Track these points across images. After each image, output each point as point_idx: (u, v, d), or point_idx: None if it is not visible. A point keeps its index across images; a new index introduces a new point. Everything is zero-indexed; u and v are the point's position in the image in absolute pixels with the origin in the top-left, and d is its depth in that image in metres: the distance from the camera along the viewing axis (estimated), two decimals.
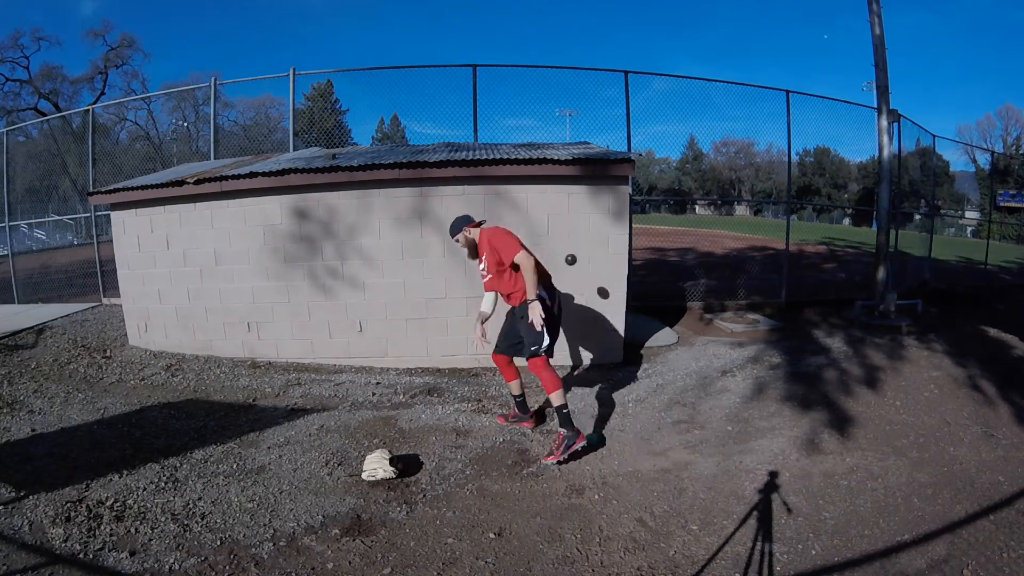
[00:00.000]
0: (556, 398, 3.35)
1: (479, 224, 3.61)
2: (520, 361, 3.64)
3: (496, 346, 3.77)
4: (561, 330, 3.76)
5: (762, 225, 18.81)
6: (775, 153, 33.92)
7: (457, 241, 3.60)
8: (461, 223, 3.58)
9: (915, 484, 3.05)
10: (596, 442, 3.58)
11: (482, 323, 3.69)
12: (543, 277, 3.47)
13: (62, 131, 14.66)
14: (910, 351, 5.19)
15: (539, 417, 3.93)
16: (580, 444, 3.31)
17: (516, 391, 3.84)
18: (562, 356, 4.96)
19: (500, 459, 3.42)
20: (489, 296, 3.70)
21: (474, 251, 3.59)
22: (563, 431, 3.32)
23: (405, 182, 4.93)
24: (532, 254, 3.37)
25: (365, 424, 3.93)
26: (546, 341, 3.40)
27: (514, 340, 3.62)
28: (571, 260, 4.83)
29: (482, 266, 3.57)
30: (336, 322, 5.19)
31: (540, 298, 3.34)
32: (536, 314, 3.27)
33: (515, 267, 3.40)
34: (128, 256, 5.59)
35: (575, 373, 4.98)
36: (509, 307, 3.62)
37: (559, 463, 3.28)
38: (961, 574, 2.34)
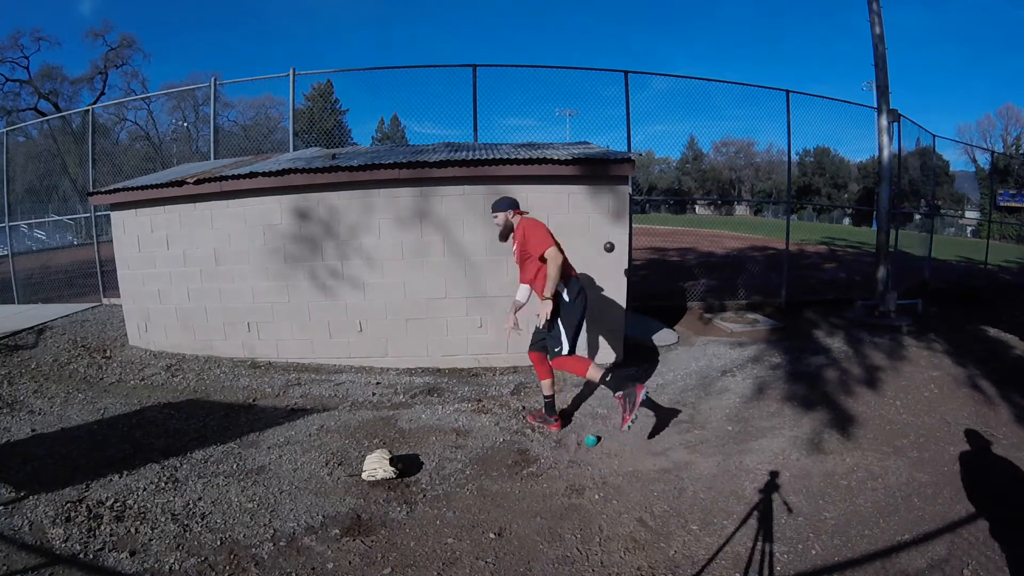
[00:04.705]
0: (593, 376, 3.45)
1: (523, 213, 3.69)
2: None
3: (531, 342, 3.82)
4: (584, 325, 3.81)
5: (762, 225, 18.80)
6: (775, 153, 33.92)
7: (495, 217, 3.68)
8: (508, 204, 3.66)
9: (915, 484, 3.05)
10: (593, 443, 3.58)
11: (514, 312, 3.70)
12: (565, 274, 3.52)
13: (62, 131, 14.66)
14: (910, 351, 5.19)
15: (565, 420, 3.92)
16: (641, 394, 3.33)
17: (547, 391, 3.79)
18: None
19: (500, 459, 3.41)
20: (523, 287, 3.73)
21: (506, 235, 3.69)
22: (619, 394, 3.39)
23: (405, 182, 4.93)
24: (562, 252, 3.44)
25: (365, 424, 3.93)
26: (565, 345, 3.49)
27: (542, 335, 3.65)
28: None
29: (514, 250, 3.68)
30: (336, 322, 5.19)
31: (557, 294, 3.44)
32: (545, 312, 3.36)
33: (542, 259, 3.45)
34: (128, 256, 5.59)
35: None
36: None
37: (632, 423, 3.34)
38: (961, 574, 2.34)
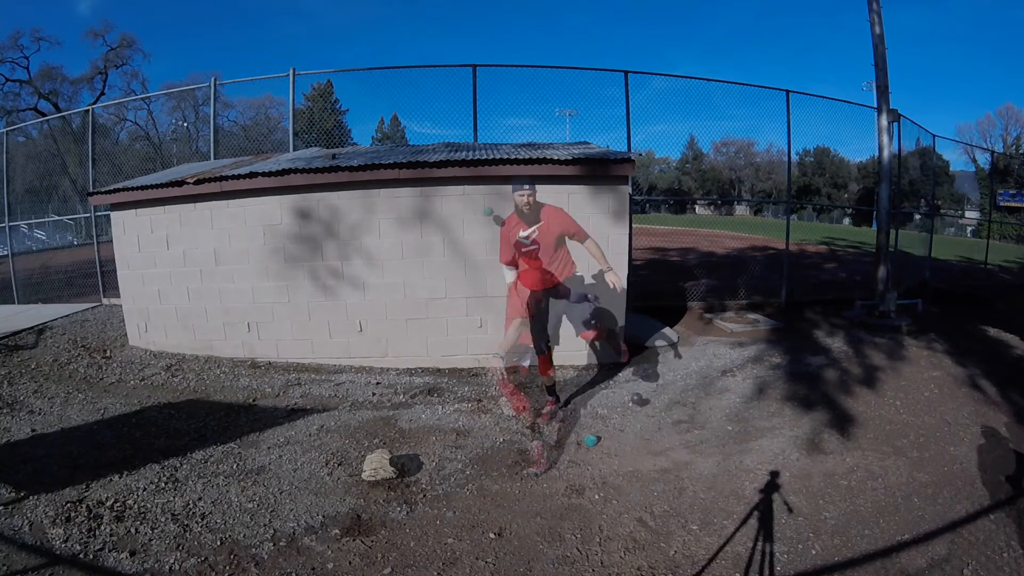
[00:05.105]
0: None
1: None
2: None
3: (540, 348, 3.78)
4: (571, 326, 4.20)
5: (762, 225, 18.79)
6: (775, 153, 33.99)
7: (527, 196, 3.60)
8: (533, 182, 3.68)
9: (915, 484, 3.05)
10: (593, 443, 3.58)
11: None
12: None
13: (62, 131, 14.69)
14: (910, 351, 5.19)
15: (565, 421, 4.03)
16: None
17: (551, 382, 4.03)
18: (563, 356, 4.96)
19: (500, 459, 3.42)
20: (509, 268, 3.87)
21: (532, 218, 3.65)
22: (593, 323, 3.94)
23: (406, 182, 4.93)
24: None
25: (365, 424, 3.93)
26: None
27: (546, 327, 3.77)
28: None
29: (531, 236, 3.67)
30: (336, 322, 5.19)
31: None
32: (617, 280, 3.70)
33: (581, 241, 3.76)
34: (128, 256, 5.59)
35: (576, 373, 4.98)
36: (544, 298, 3.72)
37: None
38: (961, 574, 2.34)
